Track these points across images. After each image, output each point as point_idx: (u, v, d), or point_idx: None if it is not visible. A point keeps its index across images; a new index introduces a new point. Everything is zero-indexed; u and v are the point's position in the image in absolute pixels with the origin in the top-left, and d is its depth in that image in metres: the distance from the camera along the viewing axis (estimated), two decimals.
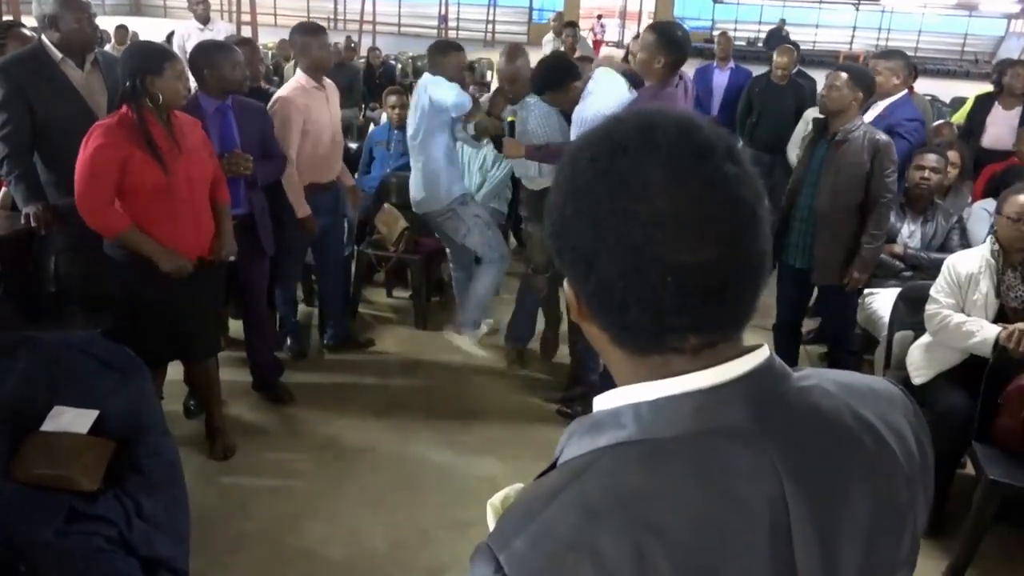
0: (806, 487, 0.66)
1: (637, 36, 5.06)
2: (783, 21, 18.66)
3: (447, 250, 4.31)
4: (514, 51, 3.63)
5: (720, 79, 6.46)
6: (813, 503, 0.66)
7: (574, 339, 3.78)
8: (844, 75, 3.23)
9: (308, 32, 3.64)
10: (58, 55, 3.06)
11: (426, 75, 3.75)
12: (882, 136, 3.26)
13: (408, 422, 3.51)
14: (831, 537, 0.67)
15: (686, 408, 0.66)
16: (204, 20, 6.42)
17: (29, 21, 5.01)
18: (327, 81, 3.73)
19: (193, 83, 3.12)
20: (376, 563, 2.66)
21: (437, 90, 3.58)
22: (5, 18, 9.20)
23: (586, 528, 0.62)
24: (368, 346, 4.23)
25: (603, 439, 0.68)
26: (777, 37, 15.68)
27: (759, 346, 0.70)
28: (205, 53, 3.12)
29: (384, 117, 5.29)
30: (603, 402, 0.72)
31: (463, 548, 2.72)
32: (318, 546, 2.71)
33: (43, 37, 3.07)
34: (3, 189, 3.31)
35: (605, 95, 3.31)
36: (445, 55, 3.72)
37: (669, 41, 3.08)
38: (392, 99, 4.90)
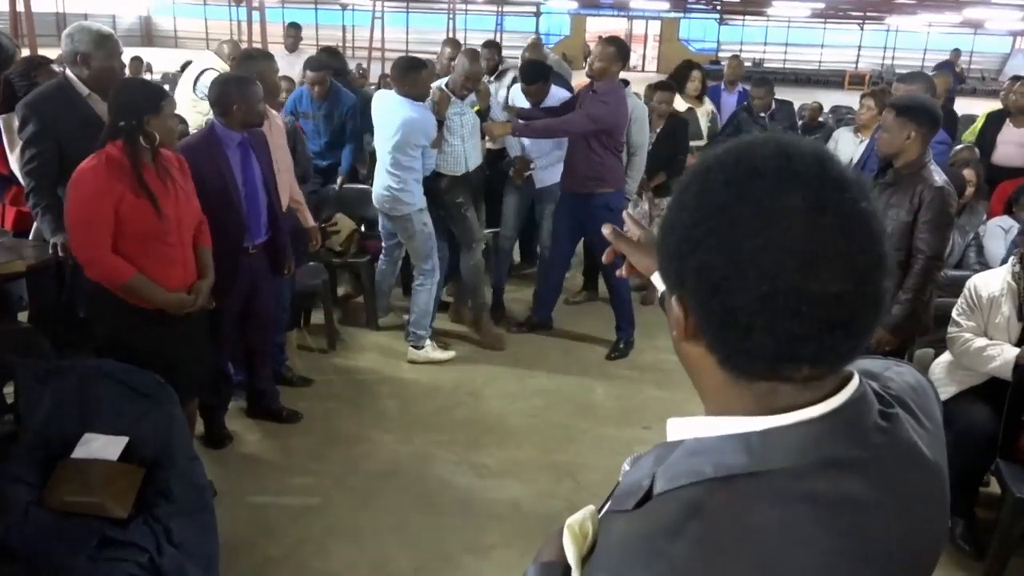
0: (907, 518, 0.68)
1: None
2: (957, 52, 14.18)
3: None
4: (476, 54, 4.28)
5: (728, 101, 6.55)
6: (910, 533, 0.69)
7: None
8: (891, 114, 2.99)
9: (253, 58, 3.60)
10: (84, 90, 3.09)
11: (398, 98, 3.98)
12: (936, 181, 2.94)
13: (428, 445, 3.52)
14: (915, 561, 0.70)
15: (797, 438, 0.66)
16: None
17: (44, 52, 5.10)
18: (271, 112, 3.50)
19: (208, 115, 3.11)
20: None
21: (420, 126, 4.00)
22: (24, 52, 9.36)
23: (718, 569, 0.62)
24: (306, 384, 3.98)
25: (709, 469, 0.67)
26: (949, 68, 10.76)
27: (851, 374, 0.71)
28: (236, 87, 3.06)
29: None
30: (691, 429, 0.72)
31: (488, 573, 2.72)
32: (344, 570, 2.72)
33: (68, 72, 3.12)
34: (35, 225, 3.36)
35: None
36: (417, 72, 4.01)
37: (623, 54, 3.99)
38: (312, 75, 5.00)
